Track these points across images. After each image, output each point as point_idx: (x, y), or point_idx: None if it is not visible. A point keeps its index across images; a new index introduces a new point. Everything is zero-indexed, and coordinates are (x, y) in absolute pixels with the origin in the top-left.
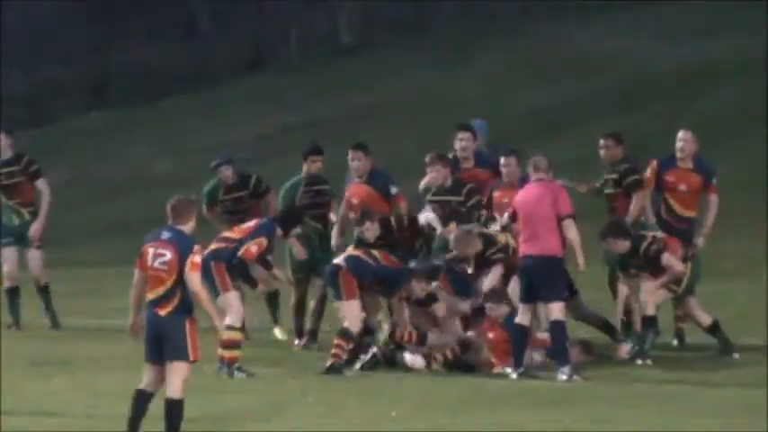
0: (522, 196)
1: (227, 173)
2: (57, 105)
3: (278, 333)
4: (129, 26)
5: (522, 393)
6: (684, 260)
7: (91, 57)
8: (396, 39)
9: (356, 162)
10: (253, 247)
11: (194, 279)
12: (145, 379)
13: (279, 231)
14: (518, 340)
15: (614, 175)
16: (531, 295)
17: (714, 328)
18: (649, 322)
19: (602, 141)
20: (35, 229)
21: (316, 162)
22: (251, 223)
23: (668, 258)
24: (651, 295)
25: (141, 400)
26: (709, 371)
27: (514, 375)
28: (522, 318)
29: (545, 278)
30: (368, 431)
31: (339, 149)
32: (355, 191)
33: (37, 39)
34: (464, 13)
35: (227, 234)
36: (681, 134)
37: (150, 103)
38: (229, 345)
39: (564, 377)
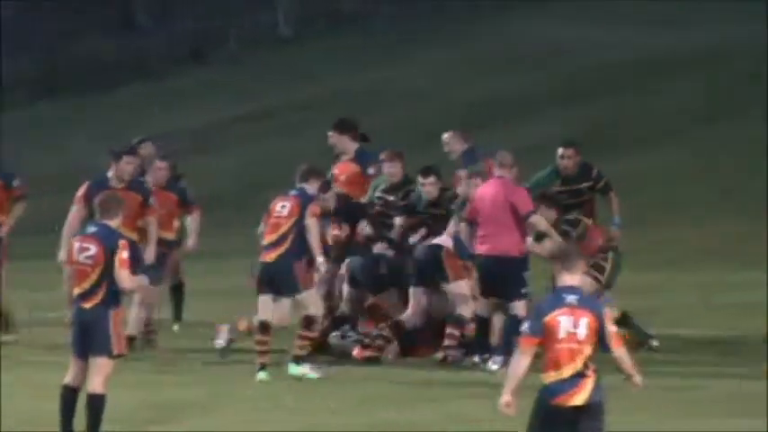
0: (482, 193)
1: (145, 151)
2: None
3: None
4: (73, 19)
5: (467, 385)
6: (605, 250)
7: (35, 50)
8: (336, 30)
9: (131, 167)
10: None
11: (124, 276)
12: (70, 373)
13: None
14: (480, 331)
15: (589, 183)
16: (489, 294)
17: (624, 321)
18: None
19: (561, 150)
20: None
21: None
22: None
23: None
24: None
25: (69, 396)
26: (659, 364)
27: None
28: (483, 311)
29: (504, 278)
30: (305, 424)
31: (282, 141)
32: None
33: None
34: (412, 5)
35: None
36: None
37: (93, 96)
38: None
39: (495, 367)
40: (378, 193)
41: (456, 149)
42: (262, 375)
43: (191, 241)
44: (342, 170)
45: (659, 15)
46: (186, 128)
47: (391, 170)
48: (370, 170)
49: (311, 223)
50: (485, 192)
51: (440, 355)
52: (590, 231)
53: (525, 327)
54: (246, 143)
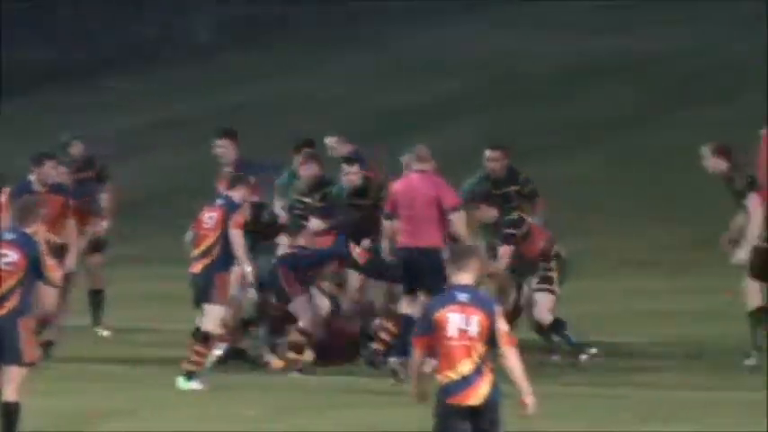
0: (403, 187)
1: (75, 150)
2: None
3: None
4: None
5: (389, 392)
6: (548, 256)
7: None
8: (252, 37)
9: (54, 171)
10: None
11: (56, 277)
12: None
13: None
14: (405, 330)
15: (517, 187)
16: (413, 286)
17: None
18: (557, 326)
19: (488, 153)
20: None
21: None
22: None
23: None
24: (541, 306)
25: None
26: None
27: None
28: (407, 308)
29: (427, 271)
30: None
31: (198, 149)
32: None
33: None
34: (327, 11)
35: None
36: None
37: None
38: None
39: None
40: (295, 197)
41: (343, 152)
42: (181, 382)
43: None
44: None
45: (577, 24)
46: (106, 134)
47: (308, 173)
48: (252, 179)
49: (234, 234)
50: (405, 186)
51: (375, 346)
52: (534, 231)
53: (416, 327)
54: (168, 150)
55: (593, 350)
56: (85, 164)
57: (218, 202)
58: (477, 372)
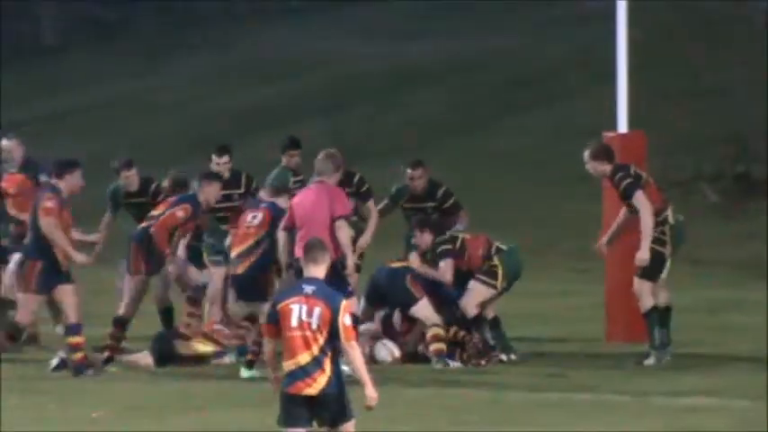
0: (300, 198)
1: None
2: None
3: None
4: None
5: (229, 394)
6: (489, 257)
7: None
8: (99, 39)
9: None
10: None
11: None
12: None
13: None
14: None
15: (434, 203)
16: None
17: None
18: (477, 322)
19: (410, 171)
20: None
21: (294, 156)
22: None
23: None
24: (471, 296)
25: None
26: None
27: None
28: None
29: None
30: None
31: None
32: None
33: None
34: (165, 13)
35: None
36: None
37: None
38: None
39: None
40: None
41: (17, 157)
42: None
43: None
44: (11, 182)
45: (413, 27)
46: None
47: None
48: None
49: (281, 236)
50: (303, 199)
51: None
52: (468, 243)
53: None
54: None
55: (513, 356)
56: None
57: (263, 205)
58: (316, 363)
